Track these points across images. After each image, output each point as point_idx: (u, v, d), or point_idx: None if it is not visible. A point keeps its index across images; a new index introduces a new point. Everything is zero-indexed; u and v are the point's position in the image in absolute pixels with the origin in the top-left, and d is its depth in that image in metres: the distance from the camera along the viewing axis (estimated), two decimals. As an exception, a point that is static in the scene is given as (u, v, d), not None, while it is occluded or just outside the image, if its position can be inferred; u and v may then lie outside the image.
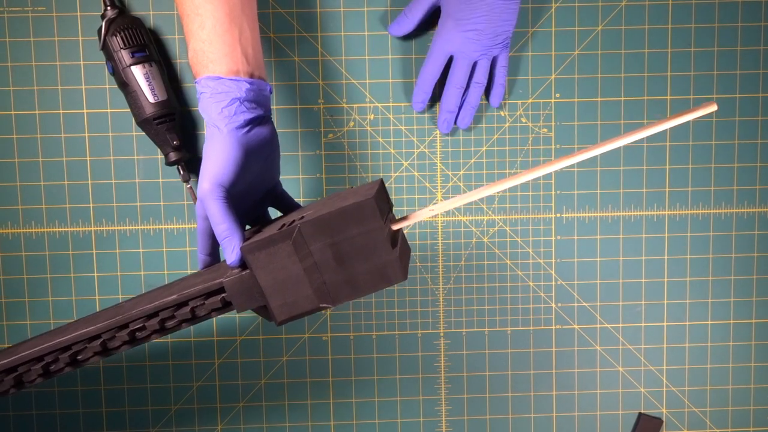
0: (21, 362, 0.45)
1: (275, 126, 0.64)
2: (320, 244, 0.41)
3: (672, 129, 0.65)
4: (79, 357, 0.45)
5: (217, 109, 0.47)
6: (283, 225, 0.43)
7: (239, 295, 0.43)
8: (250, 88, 0.48)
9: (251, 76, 0.49)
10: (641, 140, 0.65)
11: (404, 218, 0.43)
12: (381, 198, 0.42)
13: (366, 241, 0.40)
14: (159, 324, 0.44)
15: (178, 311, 0.44)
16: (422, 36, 0.64)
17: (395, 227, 0.43)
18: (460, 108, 0.62)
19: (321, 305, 0.42)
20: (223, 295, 0.44)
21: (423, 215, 0.42)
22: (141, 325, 0.44)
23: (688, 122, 0.65)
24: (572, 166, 0.65)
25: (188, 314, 0.44)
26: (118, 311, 0.46)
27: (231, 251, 0.45)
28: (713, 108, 0.39)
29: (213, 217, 0.45)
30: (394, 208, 0.65)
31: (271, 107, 0.53)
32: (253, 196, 0.51)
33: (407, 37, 0.63)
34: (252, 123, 0.48)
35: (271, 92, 0.52)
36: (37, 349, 0.44)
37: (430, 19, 0.63)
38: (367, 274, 0.41)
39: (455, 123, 0.63)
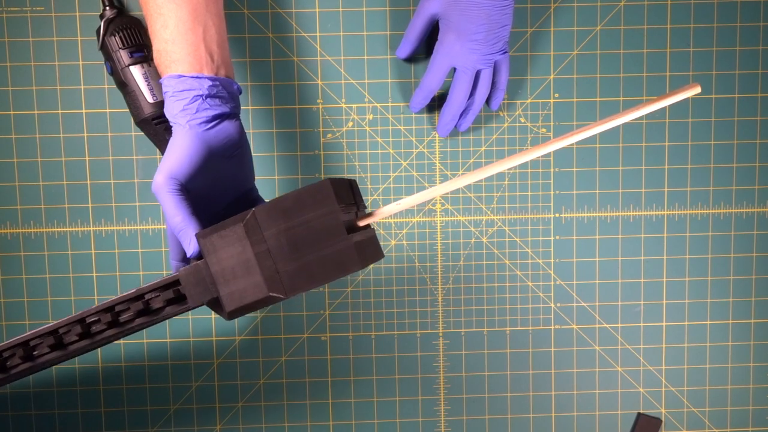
0: None
1: (275, 124, 0.64)
2: (275, 229, 0.40)
3: (671, 129, 0.65)
4: (35, 353, 0.45)
5: (180, 106, 0.47)
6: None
7: (193, 286, 0.42)
8: (213, 85, 0.47)
9: (216, 74, 0.48)
10: (640, 140, 0.65)
11: (370, 214, 0.42)
12: (342, 187, 0.42)
13: (321, 226, 0.39)
14: (113, 316, 0.43)
15: (133, 304, 0.44)
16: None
17: (362, 223, 0.42)
18: (461, 113, 0.62)
19: (271, 294, 0.40)
20: (178, 287, 0.43)
21: (390, 210, 0.41)
22: (96, 318, 0.44)
23: (687, 122, 0.65)
24: (571, 166, 0.65)
25: (141, 306, 0.43)
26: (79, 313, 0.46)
27: (188, 242, 0.44)
28: (697, 90, 0.38)
29: (167, 210, 0.44)
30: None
31: (240, 106, 0.52)
32: (223, 198, 0.50)
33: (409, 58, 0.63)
34: (216, 119, 0.47)
35: (239, 91, 0.51)
36: None
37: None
38: (323, 261, 0.40)
39: (455, 126, 0.63)
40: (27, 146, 0.63)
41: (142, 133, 0.62)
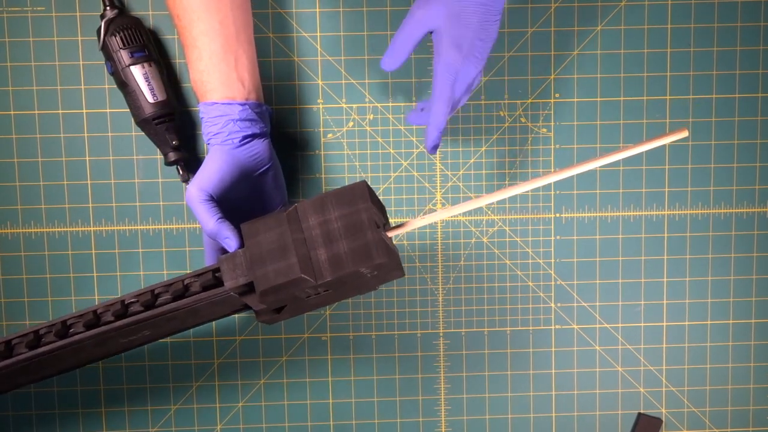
0: (15, 336, 0.48)
1: (279, 125, 0.64)
2: (313, 222, 0.44)
3: (671, 129, 0.65)
4: (71, 330, 0.47)
5: (214, 130, 0.52)
6: None
7: (231, 270, 0.45)
8: (243, 110, 0.52)
9: (247, 99, 0.53)
10: (640, 140, 0.65)
11: (400, 225, 0.45)
12: (375, 199, 0.46)
13: (355, 221, 0.43)
14: (152, 296, 0.46)
15: (171, 287, 0.47)
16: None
17: (391, 234, 0.45)
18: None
19: (302, 275, 0.42)
20: (217, 273, 0.46)
21: (419, 223, 0.45)
22: (134, 299, 0.47)
23: (688, 122, 0.65)
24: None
25: (180, 288, 0.46)
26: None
27: (225, 239, 0.47)
28: (684, 134, 0.42)
29: (200, 217, 0.48)
30: (391, 212, 0.65)
31: (269, 125, 0.56)
32: (257, 212, 0.54)
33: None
34: (245, 139, 0.52)
35: (269, 112, 0.55)
36: (32, 325, 0.49)
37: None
38: (352, 251, 0.43)
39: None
40: (27, 146, 0.63)
41: (143, 133, 0.62)
